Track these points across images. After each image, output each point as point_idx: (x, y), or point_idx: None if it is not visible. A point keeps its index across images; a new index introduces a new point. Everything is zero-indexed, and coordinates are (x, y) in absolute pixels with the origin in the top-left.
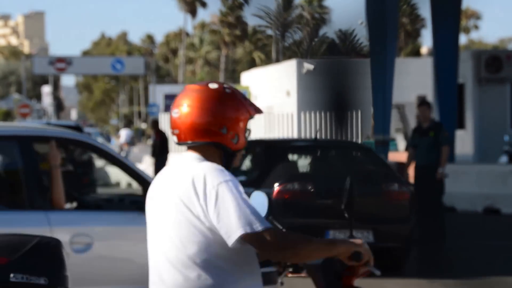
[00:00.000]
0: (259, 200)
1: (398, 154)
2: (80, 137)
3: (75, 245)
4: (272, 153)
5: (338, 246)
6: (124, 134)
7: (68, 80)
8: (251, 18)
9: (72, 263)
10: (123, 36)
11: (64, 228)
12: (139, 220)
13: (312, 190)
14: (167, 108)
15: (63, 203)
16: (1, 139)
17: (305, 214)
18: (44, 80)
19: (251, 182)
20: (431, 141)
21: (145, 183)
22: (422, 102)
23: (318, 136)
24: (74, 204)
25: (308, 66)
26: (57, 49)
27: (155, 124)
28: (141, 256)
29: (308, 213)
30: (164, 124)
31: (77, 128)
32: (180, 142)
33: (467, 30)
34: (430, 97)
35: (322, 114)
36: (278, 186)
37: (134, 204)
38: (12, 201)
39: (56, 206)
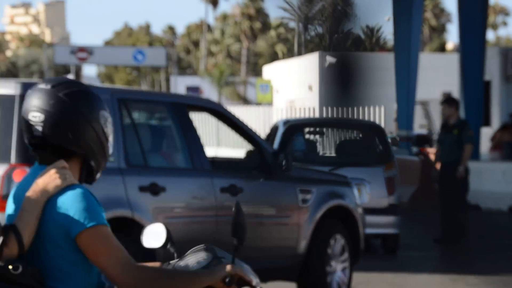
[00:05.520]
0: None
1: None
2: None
3: None
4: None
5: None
6: None
7: (90, 70)
8: (272, 10)
9: None
10: (146, 27)
11: None
12: None
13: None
14: None
15: None
16: None
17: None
18: (66, 70)
19: None
20: (455, 138)
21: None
22: (447, 99)
23: None
24: None
25: (329, 59)
26: (78, 38)
27: None
28: None
29: None
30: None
31: None
32: None
33: (495, 27)
34: (456, 94)
35: (345, 109)
36: None
37: None
38: None
39: None
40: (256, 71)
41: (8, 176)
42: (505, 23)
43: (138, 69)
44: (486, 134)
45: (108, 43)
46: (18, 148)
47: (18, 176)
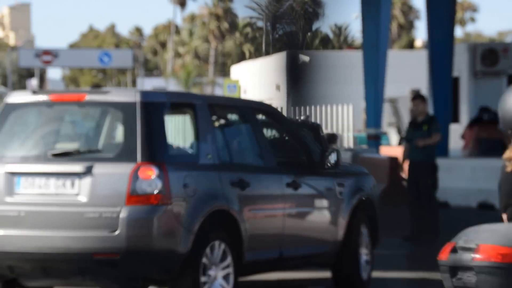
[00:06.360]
0: None
1: (391, 148)
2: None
3: None
4: None
5: None
6: None
7: (54, 73)
8: (240, 9)
9: None
10: (111, 29)
11: None
12: None
13: None
14: None
15: None
16: None
17: None
18: (30, 73)
19: None
20: (425, 135)
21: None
22: (416, 96)
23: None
24: None
25: (304, 57)
26: (43, 41)
27: None
28: None
29: None
30: None
31: None
32: None
33: (463, 23)
34: (425, 91)
35: (313, 108)
36: None
37: None
38: None
39: None
40: (224, 71)
41: (135, 174)
42: (473, 19)
43: (104, 71)
44: (455, 130)
45: (73, 46)
46: (143, 149)
47: (143, 173)
